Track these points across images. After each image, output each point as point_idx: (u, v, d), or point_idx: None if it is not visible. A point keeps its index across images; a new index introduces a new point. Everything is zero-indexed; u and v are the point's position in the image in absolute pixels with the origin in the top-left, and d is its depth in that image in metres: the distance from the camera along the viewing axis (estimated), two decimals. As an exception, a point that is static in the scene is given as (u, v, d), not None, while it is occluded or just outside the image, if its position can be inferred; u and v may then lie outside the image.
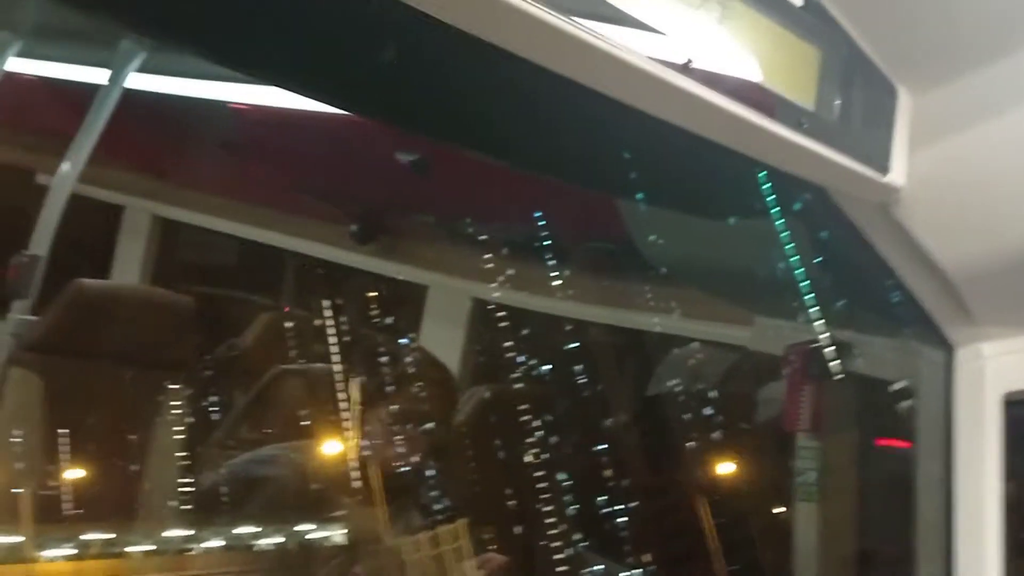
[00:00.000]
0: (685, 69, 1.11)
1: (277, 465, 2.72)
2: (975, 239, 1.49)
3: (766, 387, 2.80)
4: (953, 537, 1.70)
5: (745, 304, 2.56)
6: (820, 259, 1.81)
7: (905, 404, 1.82)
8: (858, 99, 1.33)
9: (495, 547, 2.67)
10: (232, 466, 2.81)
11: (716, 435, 2.82)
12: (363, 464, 2.50)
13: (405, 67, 1.44)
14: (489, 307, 3.58)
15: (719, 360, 3.15)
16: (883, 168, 1.37)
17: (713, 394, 2.91)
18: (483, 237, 3.35)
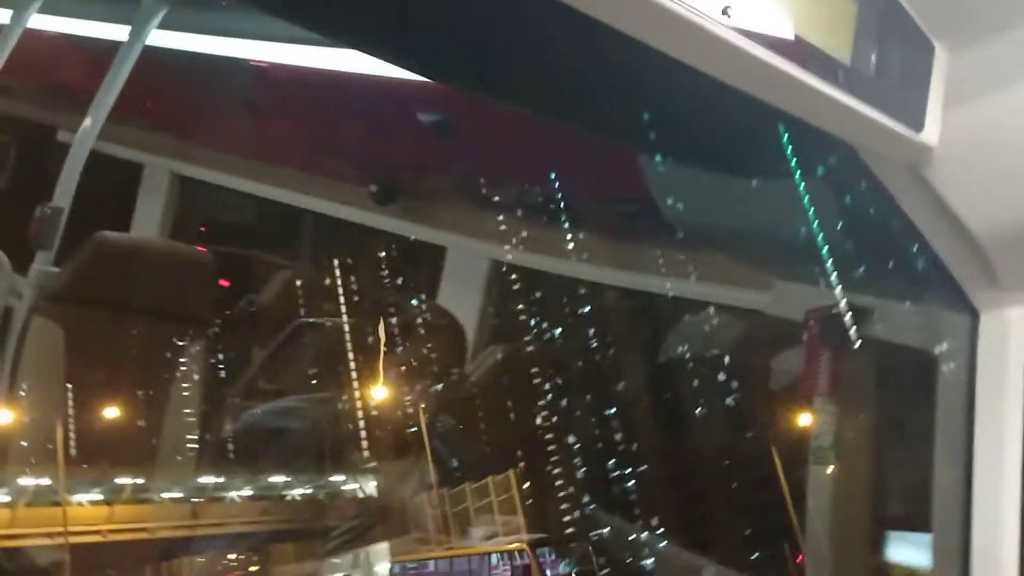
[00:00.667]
0: (722, 15, 1.09)
1: (294, 417, 2.76)
2: (1007, 203, 1.47)
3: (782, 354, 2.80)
4: (971, 504, 1.70)
5: (766, 268, 2.55)
6: (844, 222, 1.79)
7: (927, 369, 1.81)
8: (894, 54, 1.31)
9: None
10: (250, 417, 2.85)
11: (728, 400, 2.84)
12: (380, 417, 2.53)
13: (428, 13, 1.43)
14: (508, 269, 3.58)
15: (736, 326, 3.14)
16: (918, 126, 1.35)
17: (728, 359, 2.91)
18: (503, 199, 3.34)
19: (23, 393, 2.88)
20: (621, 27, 1.10)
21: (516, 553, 4.33)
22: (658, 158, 1.94)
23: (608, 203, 3.16)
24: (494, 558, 4.45)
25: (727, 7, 1.10)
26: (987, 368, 1.68)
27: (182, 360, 3.18)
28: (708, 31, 1.09)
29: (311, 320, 3.47)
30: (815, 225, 1.88)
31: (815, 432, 2.09)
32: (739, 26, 1.11)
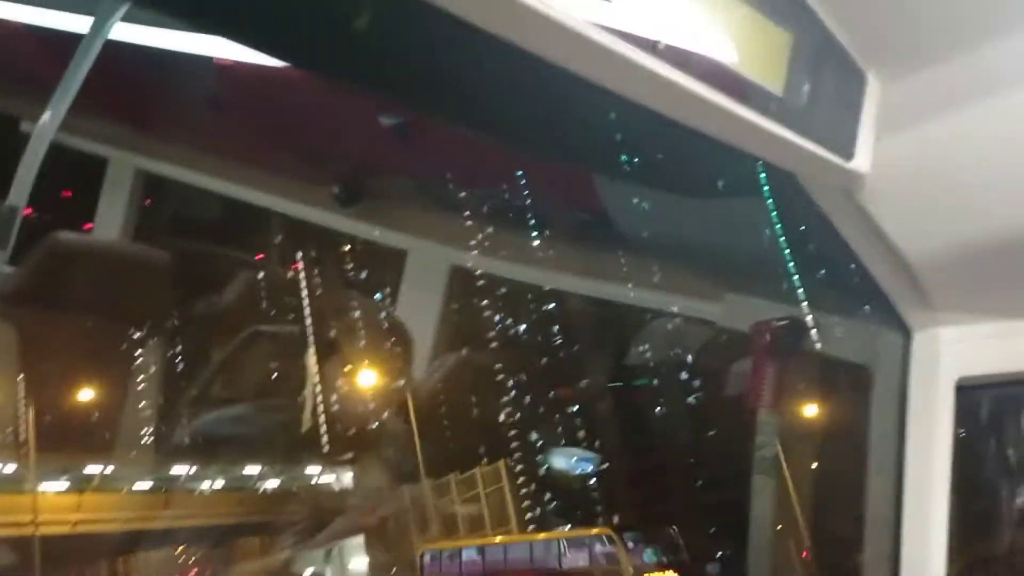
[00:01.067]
0: (654, 50, 1.12)
1: (244, 424, 2.77)
2: (936, 227, 1.52)
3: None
4: (901, 514, 1.75)
5: (716, 280, 2.60)
6: (788, 240, 1.84)
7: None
8: (827, 85, 1.35)
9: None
10: (201, 423, 2.85)
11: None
12: (329, 422, 2.56)
13: (383, 36, 1.45)
14: (468, 273, 3.61)
15: (689, 333, 3.20)
16: (848, 154, 1.39)
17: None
18: (464, 204, 3.36)
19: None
20: (558, 61, 1.13)
21: (598, 539, 4.18)
22: (613, 173, 1.98)
23: (567, 210, 3.20)
24: (562, 545, 4.30)
25: (659, 42, 1.13)
26: (919, 385, 1.73)
27: (137, 362, 3.17)
28: (640, 65, 1.12)
29: (265, 328, 3.47)
30: (762, 242, 1.93)
31: (759, 443, 2.14)
32: (672, 60, 1.14)
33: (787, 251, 1.85)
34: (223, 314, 3.91)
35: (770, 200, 1.73)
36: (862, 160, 1.44)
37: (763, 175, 1.66)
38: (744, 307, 2.39)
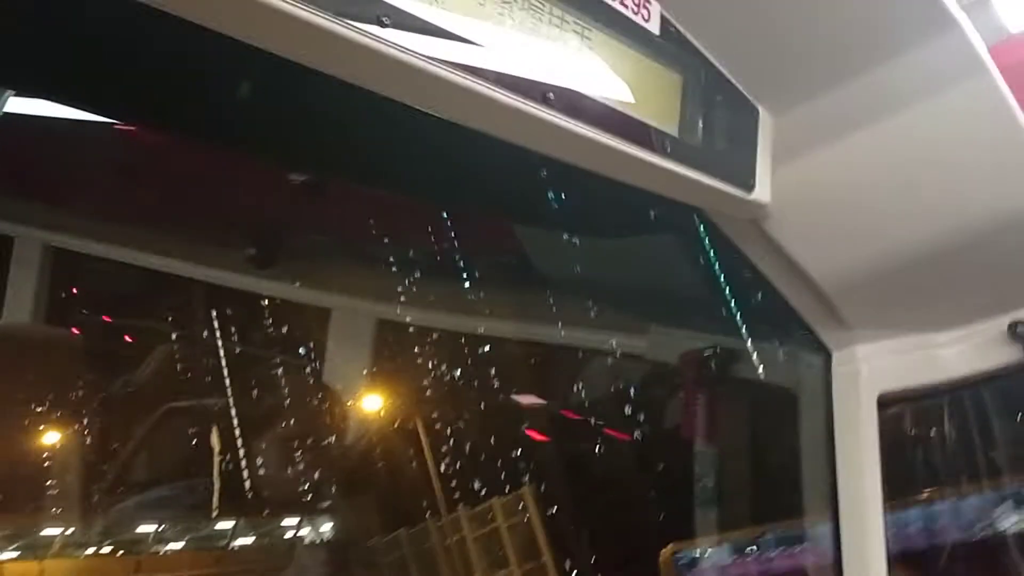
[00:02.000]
0: (545, 101, 1.12)
1: (164, 508, 2.65)
2: (842, 249, 1.55)
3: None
4: (839, 529, 1.76)
5: (639, 315, 2.62)
6: (704, 272, 1.85)
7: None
8: (721, 121, 1.36)
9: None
10: (120, 511, 2.72)
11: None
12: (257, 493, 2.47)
13: (273, 102, 1.41)
14: (394, 327, 3.55)
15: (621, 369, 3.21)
16: (748, 186, 1.41)
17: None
18: (385, 257, 3.31)
19: None
20: (451, 117, 1.12)
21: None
22: (526, 222, 1.97)
23: (490, 254, 3.19)
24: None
25: (549, 92, 1.12)
26: (842, 402, 1.76)
27: (54, 447, 3.01)
28: (534, 116, 1.11)
29: (181, 404, 3.34)
30: (677, 275, 1.94)
31: (697, 474, 2.14)
32: (564, 109, 1.14)
33: (705, 283, 1.86)
34: (138, 391, 3.76)
35: (682, 235, 1.74)
36: (762, 191, 1.46)
37: (673, 211, 1.67)
38: (670, 340, 2.40)
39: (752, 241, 1.60)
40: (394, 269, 3.20)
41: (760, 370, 2.03)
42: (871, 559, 1.73)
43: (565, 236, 2.04)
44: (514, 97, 1.08)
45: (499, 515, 4.66)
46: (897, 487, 1.77)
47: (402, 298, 3.29)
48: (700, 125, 1.33)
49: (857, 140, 1.45)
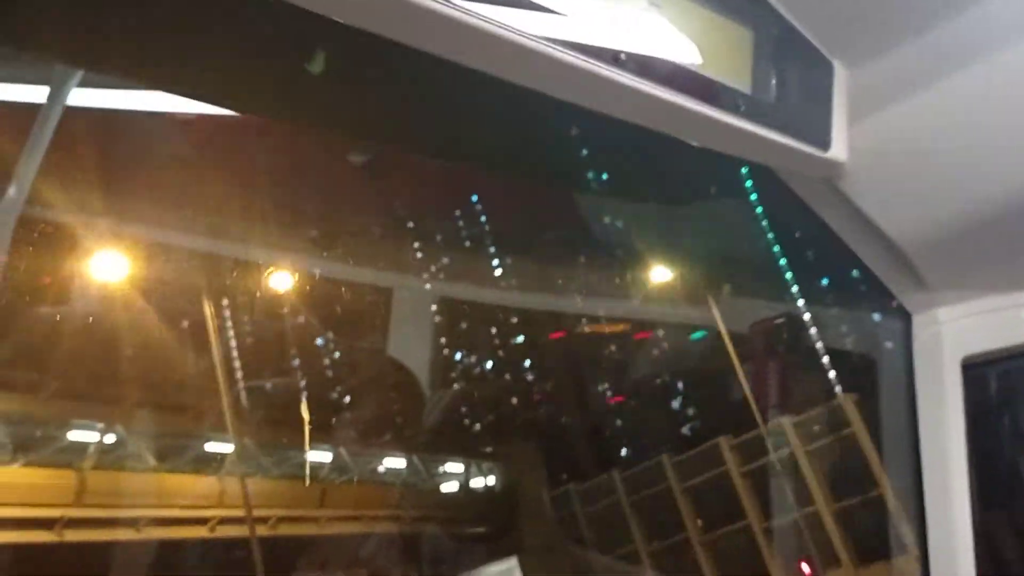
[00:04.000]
0: (616, 62, 1.09)
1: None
2: (921, 207, 1.49)
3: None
4: (923, 500, 1.71)
5: (706, 284, 2.57)
6: (777, 236, 1.81)
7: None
8: (794, 77, 1.32)
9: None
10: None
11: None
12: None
13: (342, 74, 1.42)
14: (455, 304, 3.57)
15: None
16: (824, 144, 1.36)
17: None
18: (444, 235, 3.32)
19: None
20: (522, 82, 1.10)
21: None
22: (591, 187, 1.94)
23: (552, 229, 3.17)
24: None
25: (620, 53, 1.10)
26: (924, 368, 1.70)
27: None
28: (606, 78, 1.09)
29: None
30: (750, 241, 1.90)
31: (773, 445, 2.09)
32: (636, 70, 1.11)
33: (777, 248, 1.82)
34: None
35: (754, 198, 1.70)
36: (839, 149, 1.41)
37: (745, 172, 1.63)
38: (740, 309, 2.36)
39: (827, 202, 1.55)
40: (454, 247, 3.21)
41: (835, 337, 1.98)
42: (956, 528, 1.67)
43: (630, 206, 2.01)
44: (585, 59, 1.06)
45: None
46: (983, 454, 1.71)
47: (463, 276, 3.30)
48: (773, 82, 1.29)
49: (936, 93, 1.39)
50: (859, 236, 1.60)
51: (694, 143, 1.27)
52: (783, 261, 1.85)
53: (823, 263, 1.82)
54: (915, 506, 1.72)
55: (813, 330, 2.00)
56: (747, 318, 2.23)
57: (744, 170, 1.67)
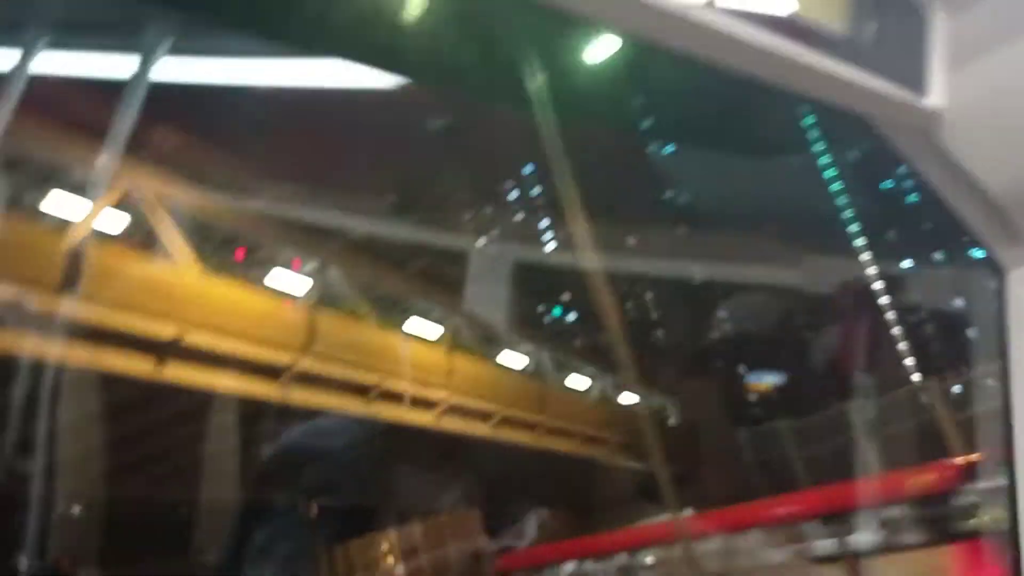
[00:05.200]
0: (710, 4, 1.10)
1: None
2: (1021, 159, 1.45)
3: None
4: (1013, 455, 1.67)
5: (795, 244, 2.53)
6: (867, 193, 1.77)
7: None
8: (892, 20, 1.29)
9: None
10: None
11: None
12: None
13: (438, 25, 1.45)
14: (530, 267, 3.59)
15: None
16: (922, 90, 1.33)
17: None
18: (518, 199, 3.34)
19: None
20: (619, 27, 1.11)
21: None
22: (679, 144, 1.94)
23: (628, 192, 3.15)
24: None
25: (715, -4, 1.10)
26: (1019, 324, 1.65)
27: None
28: (697, 20, 1.09)
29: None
30: (840, 197, 1.86)
31: (858, 406, 2.06)
32: (730, 12, 1.11)
33: (868, 204, 1.78)
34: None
35: (847, 153, 1.67)
36: (936, 96, 1.37)
37: (838, 125, 1.60)
38: (826, 268, 2.31)
39: (923, 153, 1.51)
40: (528, 210, 3.22)
41: (925, 294, 1.93)
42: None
43: (716, 160, 1.99)
44: (680, 2, 1.06)
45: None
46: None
47: (539, 238, 3.32)
48: (870, 25, 1.26)
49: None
50: (955, 190, 1.56)
51: (788, 88, 1.26)
52: (874, 218, 1.81)
53: (914, 220, 1.78)
54: (1006, 454, 1.67)
55: (905, 289, 1.95)
56: (832, 279, 2.19)
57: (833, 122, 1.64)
